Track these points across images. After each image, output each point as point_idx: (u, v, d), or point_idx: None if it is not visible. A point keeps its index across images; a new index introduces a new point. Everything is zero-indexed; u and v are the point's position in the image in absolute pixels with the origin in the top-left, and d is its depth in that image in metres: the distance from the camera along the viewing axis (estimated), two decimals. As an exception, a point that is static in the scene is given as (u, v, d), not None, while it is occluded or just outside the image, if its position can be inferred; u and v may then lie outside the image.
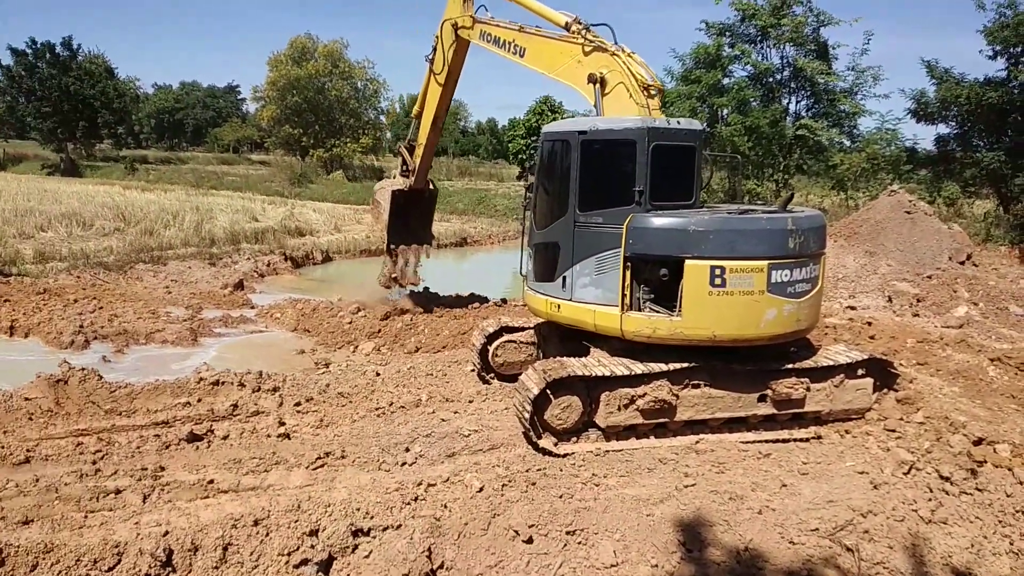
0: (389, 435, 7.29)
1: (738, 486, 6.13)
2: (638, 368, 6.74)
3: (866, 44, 26.66)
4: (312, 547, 5.34)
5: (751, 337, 6.79)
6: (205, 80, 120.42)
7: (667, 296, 6.87)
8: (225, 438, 7.26)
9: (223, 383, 8.67)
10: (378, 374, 9.53)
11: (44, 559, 4.99)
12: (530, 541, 5.39)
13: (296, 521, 5.49)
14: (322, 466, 6.60)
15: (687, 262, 6.59)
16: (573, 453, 6.70)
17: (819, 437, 7.15)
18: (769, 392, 7.02)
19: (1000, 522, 5.77)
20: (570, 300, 7.33)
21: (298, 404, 8.28)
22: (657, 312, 6.88)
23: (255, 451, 6.84)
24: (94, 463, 6.51)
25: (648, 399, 6.73)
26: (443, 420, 7.68)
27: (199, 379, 8.75)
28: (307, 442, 7.20)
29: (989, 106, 22.82)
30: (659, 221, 6.84)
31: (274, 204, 31.92)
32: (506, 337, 8.70)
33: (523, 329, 8.77)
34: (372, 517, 5.65)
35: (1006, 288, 14.24)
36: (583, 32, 8.16)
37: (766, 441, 7.02)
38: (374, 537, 5.50)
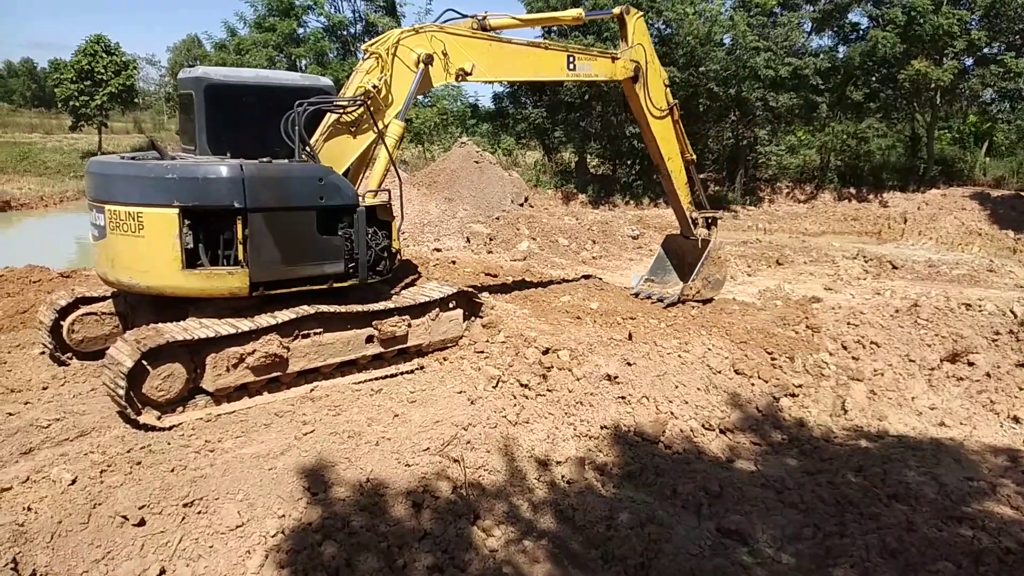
0: (-65, 444, 5.94)
1: (355, 424, 6.41)
2: (245, 325, 6.53)
3: (429, 4, 28.72)
4: None
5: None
6: None
7: None
8: None
9: None
10: (-95, 374, 7.61)
11: None
12: (142, 524, 4.94)
13: None
14: None
15: None
16: (181, 423, 6.28)
17: (422, 367, 7.82)
18: (376, 332, 7.42)
19: (566, 414, 7.03)
20: None
21: None
22: None
23: None
24: None
25: (258, 355, 6.58)
26: (10, 414, 6.48)
27: None
28: None
29: (531, 68, 26.37)
30: None
31: None
32: (84, 309, 7.61)
33: (103, 299, 7.77)
34: (-75, 545, 4.60)
35: (555, 224, 17.00)
36: None
37: (377, 378, 7.44)
38: (-69, 568, 4.51)
